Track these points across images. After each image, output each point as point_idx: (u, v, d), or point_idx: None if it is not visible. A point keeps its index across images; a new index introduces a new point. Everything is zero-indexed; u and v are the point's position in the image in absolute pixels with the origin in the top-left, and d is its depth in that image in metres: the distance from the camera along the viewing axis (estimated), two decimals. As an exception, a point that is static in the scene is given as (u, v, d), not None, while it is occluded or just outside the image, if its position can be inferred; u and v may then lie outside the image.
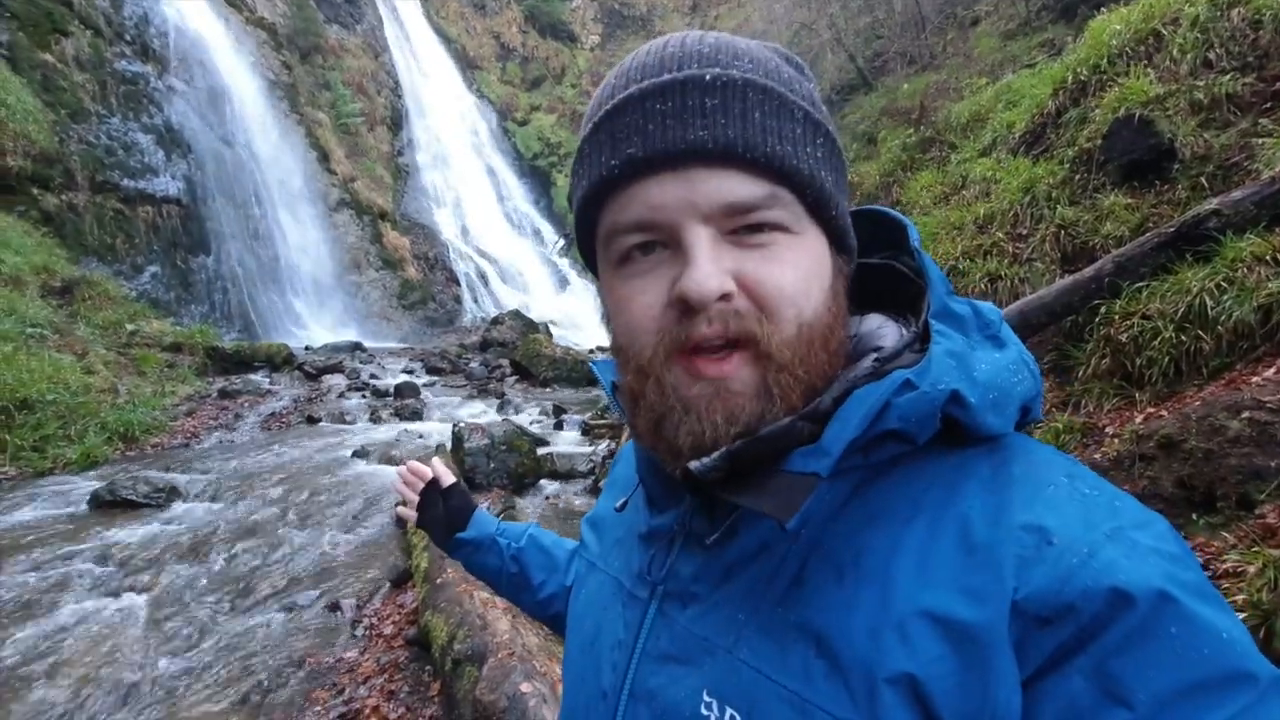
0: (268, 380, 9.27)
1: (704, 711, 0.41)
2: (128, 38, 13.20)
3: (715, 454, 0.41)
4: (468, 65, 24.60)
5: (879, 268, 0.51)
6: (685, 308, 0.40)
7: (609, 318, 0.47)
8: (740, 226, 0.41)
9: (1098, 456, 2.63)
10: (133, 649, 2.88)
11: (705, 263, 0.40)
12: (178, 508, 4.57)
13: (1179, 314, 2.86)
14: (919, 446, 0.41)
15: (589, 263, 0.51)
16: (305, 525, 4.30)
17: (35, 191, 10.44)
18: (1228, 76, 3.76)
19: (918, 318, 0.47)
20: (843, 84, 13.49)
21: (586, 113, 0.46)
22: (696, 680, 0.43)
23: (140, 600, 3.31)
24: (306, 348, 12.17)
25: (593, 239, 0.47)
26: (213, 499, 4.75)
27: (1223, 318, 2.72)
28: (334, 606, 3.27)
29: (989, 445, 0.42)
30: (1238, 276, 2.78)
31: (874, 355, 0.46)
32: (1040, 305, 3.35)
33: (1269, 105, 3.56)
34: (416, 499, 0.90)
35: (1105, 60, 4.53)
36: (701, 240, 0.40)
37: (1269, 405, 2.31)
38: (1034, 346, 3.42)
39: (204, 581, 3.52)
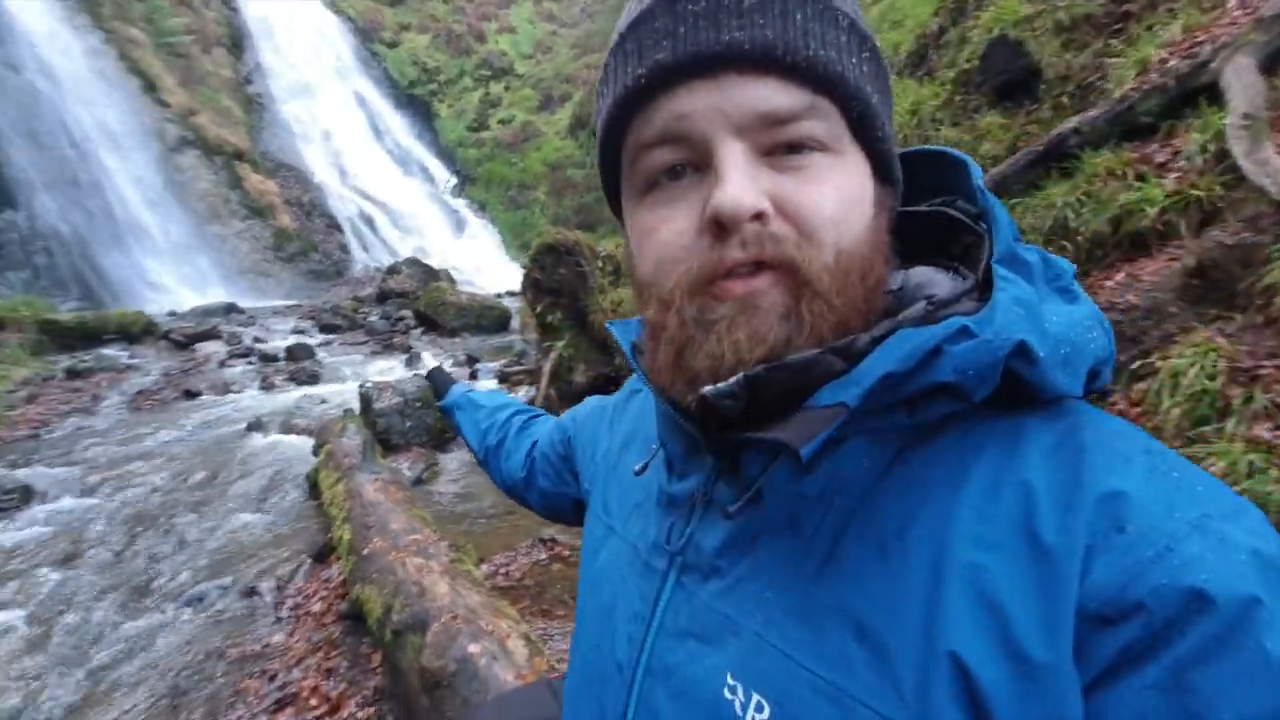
0: (126, 354, 8.16)
1: (728, 695, 0.38)
2: None
3: (733, 379, 0.37)
4: (317, -26, 21.32)
5: (928, 216, 0.45)
6: (718, 231, 0.37)
7: (632, 255, 0.43)
8: (778, 144, 0.37)
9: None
10: (13, 669, 2.57)
11: (739, 177, 0.36)
12: (38, 509, 4.00)
13: (1047, 227, 3.15)
14: (971, 407, 0.37)
15: (613, 207, 0.46)
16: (204, 511, 3.94)
17: None
18: (1086, -3, 4.01)
19: (974, 270, 0.42)
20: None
21: (616, 25, 0.40)
22: (719, 660, 0.39)
23: (14, 616, 2.92)
24: (171, 313, 10.74)
25: (617, 172, 0.42)
26: (81, 494, 4.20)
27: (1082, 229, 3.03)
28: (251, 591, 3.07)
29: (1050, 411, 0.37)
30: (1094, 190, 3.08)
31: (926, 301, 0.41)
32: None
33: (1118, 26, 3.86)
34: None
35: (982, -22, 4.68)
36: (735, 154, 0.36)
37: (1119, 306, 2.67)
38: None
39: (90, 586, 3.15)
